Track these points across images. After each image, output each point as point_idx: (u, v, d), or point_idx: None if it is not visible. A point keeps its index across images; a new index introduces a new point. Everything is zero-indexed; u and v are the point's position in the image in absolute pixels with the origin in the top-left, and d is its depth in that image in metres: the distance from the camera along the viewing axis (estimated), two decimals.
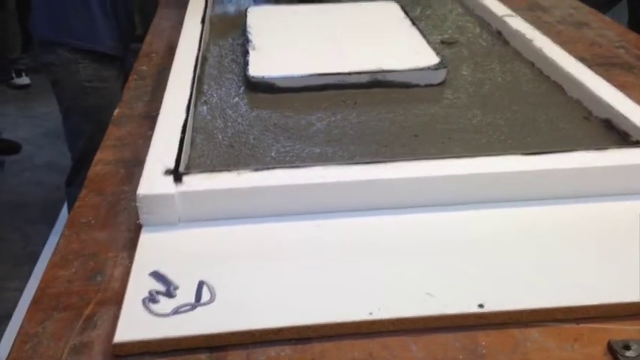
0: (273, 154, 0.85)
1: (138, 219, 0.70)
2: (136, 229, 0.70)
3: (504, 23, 1.23)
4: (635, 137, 0.83)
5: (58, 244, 0.69)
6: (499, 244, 0.67)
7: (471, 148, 0.85)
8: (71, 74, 1.57)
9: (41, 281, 0.64)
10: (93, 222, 0.73)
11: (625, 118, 0.85)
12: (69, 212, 1.58)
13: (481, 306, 0.58)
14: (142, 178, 0.71)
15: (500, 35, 1.25)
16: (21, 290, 2.01)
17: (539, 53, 1.09)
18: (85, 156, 1.62)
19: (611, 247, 0.66)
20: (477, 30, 1.30)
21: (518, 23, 1.21)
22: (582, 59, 1.08)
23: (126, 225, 0.72)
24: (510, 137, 0.88)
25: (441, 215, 0.72)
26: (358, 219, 0.71)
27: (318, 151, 0.86)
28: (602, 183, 0.74)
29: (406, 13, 1.31)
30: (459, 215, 0.71)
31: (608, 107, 0.88)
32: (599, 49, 1.24)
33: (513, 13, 1.27)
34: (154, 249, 0.66)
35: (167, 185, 0.70)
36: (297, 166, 0.75)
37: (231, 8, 1.51)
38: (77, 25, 1.53)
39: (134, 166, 0.83)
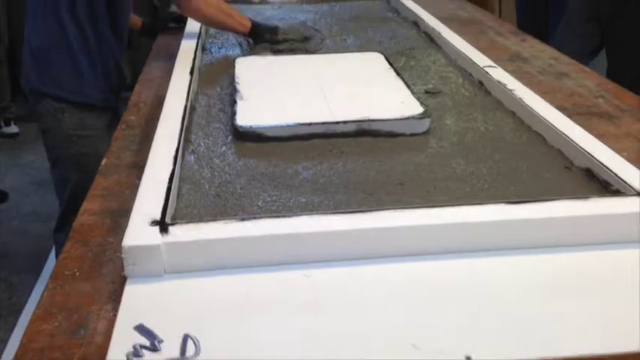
0: (259, 203, 0.86)
1: (123, 270, 0.69)
2: (121, 281, 0.69)
3: (486, 74, 1.26)
4: (616, 186, 0.84)
5: (41, 296, 0.69)
6: (485, 293, 0.67)
7: (456, 196, 0.87)
8: (58, 123, 1.57)
9: (24, 335, 0.63)
10: (77, 274, 0.73)
11: (606, 167, 0.87)
12: (57, 259, 1.56)
13: (468, 358, 0.57)
14: (127, 229, 0.71)
15: (482, 85, 1.28)
16: (5, 342, 1.96)
17: (520, 103, 1.11)
18: (72, 203, 1.61)
19: (593, 296, 0.67)
20: (460, 80, 1.33)
21: (499, 74, 1.25)
22: (563, 109, 1.11)
23: (111, 276, 0.72)
24: (493, 186, 0.89)
25: (426, 264, 0.72)
26: (345, 268, 0.71)
27: (304, 200, 0.86)
28: (585, 232, 0.74)
29: (391, 63, 1.34)
30: (445, 264, 0.72)
31: (589, 157, 0.90)
32: (579, 98, 1.27)
33: (495, 64, 1.30)
34: (138, 301, 0.66)
35: (153, 236, 0.70)
36: (284, 216, 0.76)
37: (219, 59, 1.54)
38: (63, 76, 1.55)
39: (120, 216, 0.83)
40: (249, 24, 1.55)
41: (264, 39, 1.55)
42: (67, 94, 1.56)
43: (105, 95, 1.61)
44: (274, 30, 1.57)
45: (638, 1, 2.21)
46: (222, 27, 1.60)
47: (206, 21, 1.58)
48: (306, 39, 1.58)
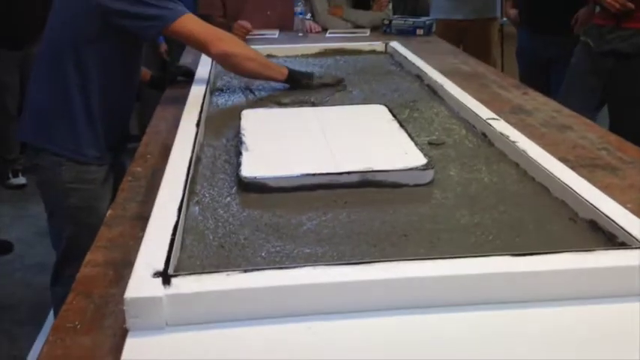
0: (263, 254, 0.86)
1: (125, 323, 0.69)
2: (123, 334, 0.69)
3: (489, 126, 1.27)
4: (621, 239, 0.83)
5: (41, 350, 0.68)
6: (490, 346, 0.66)
7: (460, 248, 0.86)
8: (55, 175, 1.58)
9: None
10: (79, 326, 0.72)
11: (610, 219, 0.86)
12: (54, 312, 1.54)
13: None
14: (130, 281, 0.71)
15: (485, 137, 1.29)
16: None
17: (523, 155, 1.12)
18: (66, 256, 1.61)
19: (599, 350, 0.65)
20: (463, 132, 1.34)
21: (502, 126, 1.26)
22: (566, 161, 1.12)
23: (112, 329, 0.71)
24: (498, 238, 0.89)
25: (431, 317, 0.71)
26: (349, 321, 0.70)
27: (308, 251, 0.86)
28: (591, 285, 0.74)
29: (394, 115, 1.36)
30: (450, 317, 0.71)
31: (593, 209, 0.90)
32: (582, 150, 1.28)
33: (497, 117, 1.32)
34: (139, 355, 0.65)
35: (155, 288, 0.69)
36: (287, 267, 0.75)
37: (226, 110, 1.56)
38: (60, 133, 1.56)
39: (124, 267, 0.82)
40: (286, 71, 1.68)
41: (301, 84, 1.68)
42: (64, 152, 1.57)
43: (102, 153, 1.62)
44: (310, 75, 1.72)
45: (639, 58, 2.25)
46: (263, 78, 1.70)
47: (247, 75, 1.69)
48: (339, 82, 1.73)
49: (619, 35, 2.30)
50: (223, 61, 1.61)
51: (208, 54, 1.60)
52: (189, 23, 1.52)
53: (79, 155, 1.58)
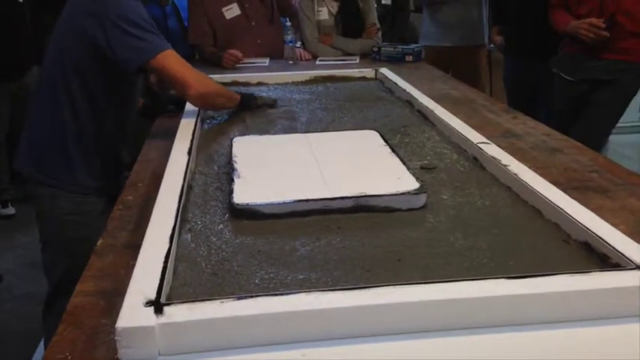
0: (257, 280, 0.85)
1: (117, 353, 0.67)
2: None
3: (480, 150, 1.28)
4: (615, 260, 0.83)
5: None
6: None
7: (455, 271, 0.86)
8: (51, 207, 1.58)
9: None
10: (69, 358, 0.70)
11: (604, 241, 0.86)
12: (45, 345, 1.51)
13: None
14: (121, 310, 0.70)
15: (476, 161, 1.29)
16: None
17: (515, 178, 1.12)
18: (60, 288, 1.58)
19: None
20: (455, 156, 1.35)
21: (493, 150, 1.26)
22: (557, 183, 1.12)
23: None
24: (493, 261, 0.89)
25: (426, 342, 0.70)
26: (343, 347, 0.70)
27: (301, 277, 0.85)
28: (586, 306, 0.73)
29: (386, 140, 1.36)
30: (445, 341, 0.70)
31: (587, 231, 0.90)
32: (574, 173, 1.28)
33: (488, 141, 1.32)
34: None
35: (147, 317, 0.68)
36: (281, 294, 0.74)
37: (217, 138, 1.56)
38: (55, 164, 1.56)
39: (115, 297, 0.81)
40: (239, 97, 1.76)
41: (249, 106, 1.79)
42: (60, 183, 1.57)
43: (98, 183, 1.61)
44: (253, 97, 1.85)
45: None
46: (227, 108, 1.74)
47: (219, 109, 1.74)
48: (274, 102, 1.90)
49: (597, 65, 2.35)
50: (202, 103, 1.61)
51: (185, 95, 1.57)
52: (169, 60, 1.49)
53: (75, 186, 1.57)
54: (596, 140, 2.27)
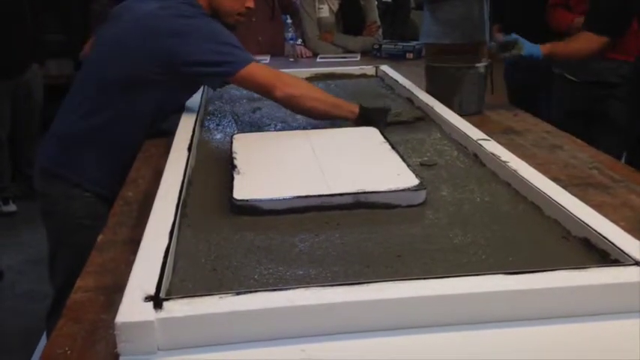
0: (256, 276, 0.85)
1: (116, 348, 0.68)
2: (114, 359, 0.67)
3: (480, 147, 1.28)
4: (614, 256, 0.83)
5: None
6: None
7: (454, 267, 0.86)
8: (67, 208, 1.57)
9: None
10: (69, 352, 0.71)
11: (603, 237, 0.86)
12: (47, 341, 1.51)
13: None
14: (121, 305, 0.70)
15: (476, 158, 1.29)
16: None
17: (515, 175, 1.12)
18: (65, 291, 1.57)
19: None
20: (455, 153, 1.35)
21: (493, 146, 1.26)
22: (557, 180, 1.12)
23: (103, 354, 0.70)
24: (492, 256, 0.89)
25: (426, 337, 0.70)
26: (342, 342, 0.70)
27: (301, 272, 0.85)
28: (585, 302, 0.73)
29: (385, 137, 1.36)
30: (445, 337, 0.70)
31: (586, 227, 0.90)
32: (574, 170, 1.28)
33: (488, 137, 1.32)
34: None
35: (146, 312, 0.68)
36: (280, 289, 0.74)
37: (217, 134, 1.57)
38: (85, 163, 1.56)
39: (115, 292, 0.81)
40: (357, 110, 1.57)
41: (374, 123, 1.51)
42: (86, 182, 1.57)
43: (116, 188, 1.61)
44: (385, 112, 1.61)
45: None
46: (330, 117, 1.60)
47: (314, 115, 1.59)
48: (417, 119, 1.61)
49: (605, 67, 2.33)
50: (288, 102, 1.56)
51: (274, 98, 1.56)
52: (255, 69, 1.52)
53: (99, 187, 1.56)
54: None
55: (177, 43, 1.48)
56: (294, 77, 1.61)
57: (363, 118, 1.56)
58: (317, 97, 1.58)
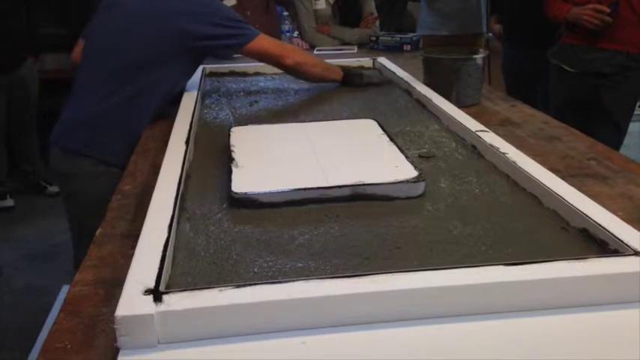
0: (255, 269, 0.85)
1: (116, 342, 0.67)
2: (114, 353, 0.67)
3: (479, 138, 1.28)
4: (613, 246, 0.84)
5: None
6: (485, 356, 0.65)
7: (453, 259, 0.86)
8: (92, 185, 1.60)
9: None
10: (69, 346, 0.71)
11: (602, 228, 0.86)
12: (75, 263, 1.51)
13: None
14: (121, 299, 0.70)
15: (475, 149, 1.29)
16: None
17: (513, 166, 1.12)
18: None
19: (594, 357, 0.65)
20: (453, 144, 1.35)
21: (491, 138, 1.26)
22: (556, 171, 1.12)
23: (103, 349, 0.70)
24: (491, 248, 0.89)
25: (425, 328, 0.70)
26: (342, 334, 0.70)
27: (300, 265, 0.85)
28: (585, 293, 0.73)
29: (384, 129, 1.36)
30: (444, 328, 0.70)
31: (585, 217, 0.90)
32: (572, 160, 1.28)
33: (487, 129, 1.32)
34: None
35: (146, 305, 0.68)
36: (280, 282, 0.74)
37: (214, 127, 1.56)
38: (113, 142, 1.61)
39: (114, 286, 0.81)
40: (341, 72, 1.91)
41: (354, 83, 1.90)
42: (111, 158, 1.61)
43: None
44: (360, 75, 1.94)
45: None
46: (326, 81, 1.90)
47: (315, 80, 1.89)
48: (383, 81, 1.95)
49: (598, 57, 2.34)
50: (296, 70, 1.81)
51: (282, 66, 1.79)
52: (263, 41, 1.73)
53: (123, 159, 1.59)
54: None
55: (189, 19, 1.62)
56: (294, 47, 1.87)
57: (346, 79, 1.90)
58: (316, 62, 1.89)
